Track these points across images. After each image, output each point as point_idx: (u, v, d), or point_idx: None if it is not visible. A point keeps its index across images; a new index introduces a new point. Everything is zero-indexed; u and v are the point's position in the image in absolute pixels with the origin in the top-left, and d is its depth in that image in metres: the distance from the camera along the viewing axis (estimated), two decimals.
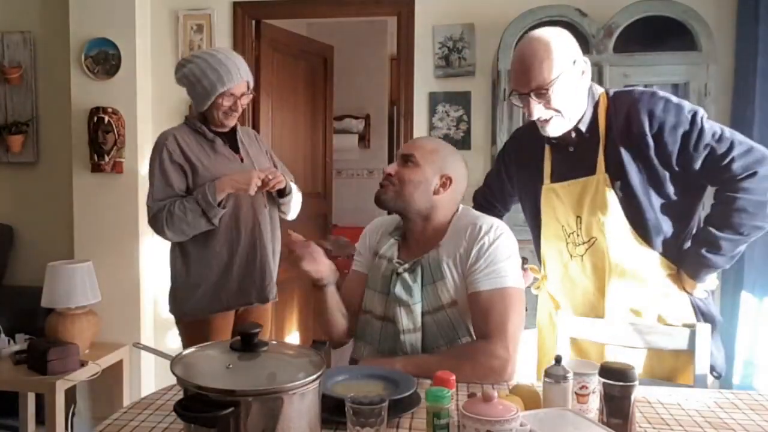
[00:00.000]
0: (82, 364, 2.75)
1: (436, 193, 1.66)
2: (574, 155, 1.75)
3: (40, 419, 2.94)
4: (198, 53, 2.28)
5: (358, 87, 5.32)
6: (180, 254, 2.28)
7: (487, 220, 1.64)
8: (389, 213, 1.79)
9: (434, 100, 3.15)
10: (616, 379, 1.21)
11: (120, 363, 3.08)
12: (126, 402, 3.03)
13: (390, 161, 5.40)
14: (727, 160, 1.60)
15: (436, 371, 1.35)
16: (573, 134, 1.73)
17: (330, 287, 1.69)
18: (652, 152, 1.64)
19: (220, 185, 2.15)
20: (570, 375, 1.29)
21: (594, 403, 1.28)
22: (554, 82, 1.61)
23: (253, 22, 3.34)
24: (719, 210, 1.65)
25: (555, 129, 1.70)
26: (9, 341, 2.86)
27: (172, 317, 2.34)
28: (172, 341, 3.23)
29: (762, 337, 2.64)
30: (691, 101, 2.62)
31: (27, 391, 2.90)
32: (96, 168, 3.13)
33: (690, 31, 2.66)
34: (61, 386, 2.63)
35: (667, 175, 1.66)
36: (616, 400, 1.21)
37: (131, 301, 3.19)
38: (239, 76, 2.21)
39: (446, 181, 1.67)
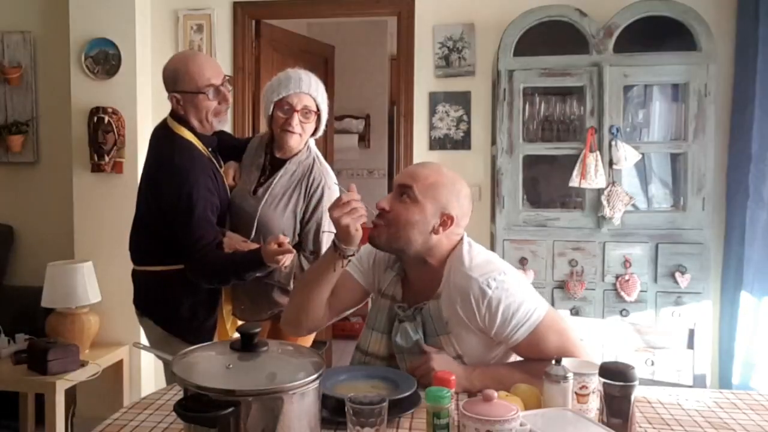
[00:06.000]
0: (82, 364, 2.75)
1: (435, 232, 1.50)
2: None
3: (40, 419, 2.93)
4: None
5: (358, 87, 5.31)
6: None
7: (480, 279, 1.46)
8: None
9: (434, 100, 3.15)
10: (616, 379, 1.21)
11: (120, 363, 3.08)
12: (126, 402, 3.03)
13: (390, 161, 5.40)
14: None
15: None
16: None
17: (346, 263, 1.56)
18: None
19: None
20: (570, 375, 1.29)
21: (594, 403, 1.28)
22: None
23: (253, 22, 3.33)
24: None
25: None
26: (9, 341, 2.86)
27: None
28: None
29: (761, 337, 2.64)
30: (691, 101, 2.66)
31: (27, 391, 2.89)
32: (96, 168, 3.12)
33: (690, 31, 2.66)
34: (61, 386, 2.63)
35: None
36: (616, 400, 1.21)
37: (131, 301, 3.17)
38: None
39: (447, 221, 1.50)
